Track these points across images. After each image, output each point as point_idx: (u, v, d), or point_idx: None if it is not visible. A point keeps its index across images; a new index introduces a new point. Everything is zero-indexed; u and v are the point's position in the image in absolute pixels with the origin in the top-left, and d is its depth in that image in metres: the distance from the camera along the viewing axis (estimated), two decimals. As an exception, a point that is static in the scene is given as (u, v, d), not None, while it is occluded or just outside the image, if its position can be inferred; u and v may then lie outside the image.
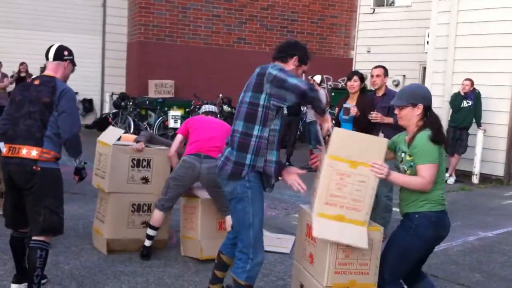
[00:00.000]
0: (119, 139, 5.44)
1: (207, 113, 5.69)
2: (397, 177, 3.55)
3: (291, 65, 3.78)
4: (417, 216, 3.54)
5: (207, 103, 14.12)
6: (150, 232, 5.21)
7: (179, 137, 5.45)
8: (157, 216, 5.16)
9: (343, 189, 3.46)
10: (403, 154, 3.64)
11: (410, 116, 3.62)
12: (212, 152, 5.13)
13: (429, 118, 3.62)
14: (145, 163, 5.36)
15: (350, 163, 3.45)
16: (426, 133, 3.53)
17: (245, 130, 3.64)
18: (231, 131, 3.79)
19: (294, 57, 3.79)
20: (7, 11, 15.25)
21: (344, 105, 6.01)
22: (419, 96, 3.63)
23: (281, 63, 3.77)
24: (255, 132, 3.63)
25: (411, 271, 3.71)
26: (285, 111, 11.06)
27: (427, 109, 3.63)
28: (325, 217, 3.47)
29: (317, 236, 3.47)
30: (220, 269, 4.15)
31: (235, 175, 3.66)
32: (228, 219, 5.11)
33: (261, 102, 3.61)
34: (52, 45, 4.27)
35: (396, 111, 3.72)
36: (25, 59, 13.88)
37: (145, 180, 5.38)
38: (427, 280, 3.86)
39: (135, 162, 5.31)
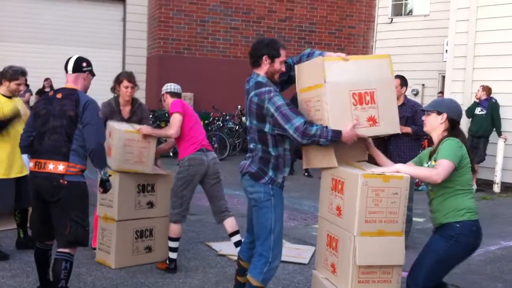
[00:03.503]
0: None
1: (178, 95, 5.38)
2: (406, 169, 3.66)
3: (265, 67, 3.86)
4: (458, 225, 3.61)
5: (224, 118, 14.23)
6: (173, 244, 5.21)
7: (180, 117, 5.12)
8: (176, 228, 5.19)
9: (379, 204, 3.56)
10: (427, 164, 3.73)
11: (433, 123, 3.74)
12: (209, 146, 5.34)
13: (455, 131, 3.72)
14: (149, 188, 5.40)
15: (383, 178, 3.55)
16: (452, 139, 3.63)
17: (262, 153, 3.88)
18: (252, 150, 3.96)
19: (264, 57, 3.86)
20: (29, 26, 15.52)
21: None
22: (445, 105, 3.78)
23: (257, 69, 3.89)
24: (272, 153, 3.86)
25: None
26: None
27: (453, 122, 3.72)
28: (368, 235, 3.56)
29: (361, 264, 3.57)
30: (241, 274, 4.23)
31: (257, 177, 3.88)
32: (228, 222, 5.26)
33: (267, 130, 3.81)
34: (70, 58, 4.32)
35: (424, 117, 3.85)
36: (47, 74, 14.09)
37: (151, 204, 5.43)
38: None
39: (140, 187, 5.34)
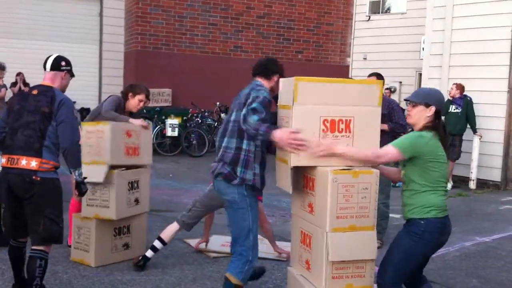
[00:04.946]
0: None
1: None
2: (343, 150, 3.61)
3: (272, 82, 4.11)
4: (422, 222, 3.58)
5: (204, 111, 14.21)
6: (158, 244, 5.18)
7: None
8: (171, 230, 5.19)
9: (350, 200, 3.57)
10: None
11: (420, 115, 3.65)
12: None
13: (436, 122, 3.66)
14: (135, 185, 5.36)
15: (353, 174, 3.56)
16: (418, 132, 3.62)
17: (235, 149, 3.95)
18: (222, 148, 4.06)
19: (277, 75, 4.11)
20: (4, 20, 15.27)
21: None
22: (435, 98, 3.70)
23: (263, 80, 4.09)
24: (244, 147, 3.93)
25: (413, 275, 3.76)
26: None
27: (438, 114, 3.68)
28: (339, 231, 3.57)
29: (333, 260, 3.57)
30: None
31: (229, 179, 3.96)
32: None
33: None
34: (50, 55, 4.30)
35: (408, 108, 3.76)
36: (22, 69, 13.87)
37: (137, 201, 5.39)
38: (427, 285, 3.90)
39: (130, 185, 5.30)
